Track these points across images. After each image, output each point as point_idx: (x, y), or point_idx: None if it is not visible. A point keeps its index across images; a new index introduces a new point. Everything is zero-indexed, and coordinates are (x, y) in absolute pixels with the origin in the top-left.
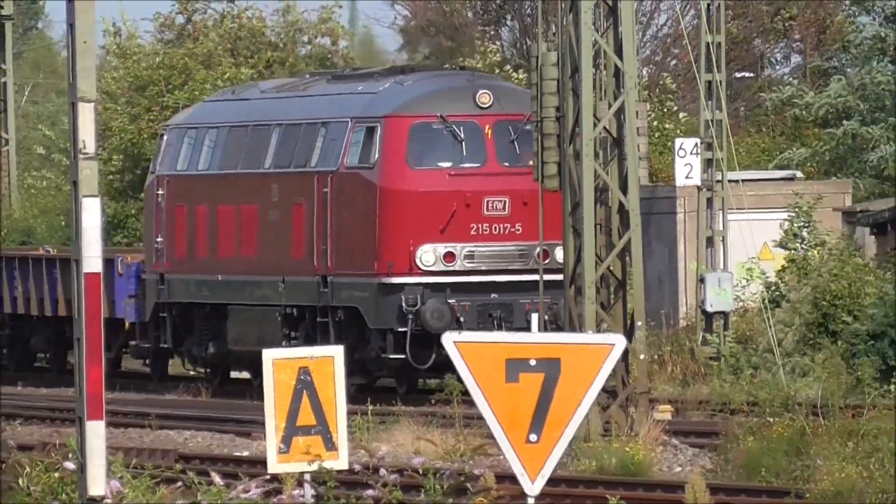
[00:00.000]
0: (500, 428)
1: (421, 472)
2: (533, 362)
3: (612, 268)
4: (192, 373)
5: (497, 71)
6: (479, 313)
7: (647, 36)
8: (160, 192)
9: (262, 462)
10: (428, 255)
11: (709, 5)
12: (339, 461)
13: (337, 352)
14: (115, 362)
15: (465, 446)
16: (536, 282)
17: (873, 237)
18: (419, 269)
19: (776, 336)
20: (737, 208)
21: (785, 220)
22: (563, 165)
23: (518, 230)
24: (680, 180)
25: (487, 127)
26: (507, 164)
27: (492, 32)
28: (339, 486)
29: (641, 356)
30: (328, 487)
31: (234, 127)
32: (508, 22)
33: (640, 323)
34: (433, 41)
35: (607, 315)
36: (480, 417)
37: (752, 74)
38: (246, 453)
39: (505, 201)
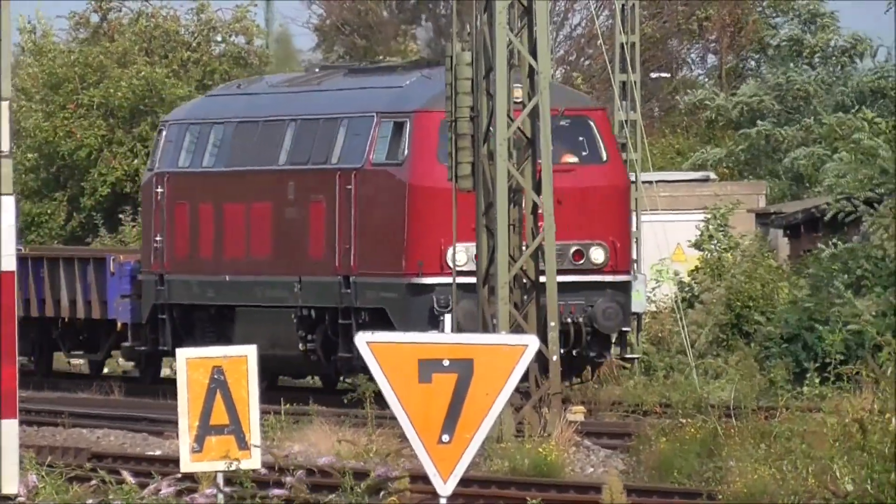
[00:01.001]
0: (412, 428)
1: (339, 472)
2: (446, 363)
3: (525, 268)
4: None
5: None
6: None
7: (562, 36)
8: (159, 189)
9: (175, 461)
10: (460, 254)
11: (623, 5)
12: (252, 461)
13: (250, 351)
14: (99, 365)
15: (377, 447)
16: (570, 282)
17: (786, 239)
18: (450, 268)
19: (689, 337)
20: (650, 209)
21: (701, 221)
22: (476, 165)
23: None
24: None
25: None
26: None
27: (412, 31)
28: (251, 485)
29: (554, 357)
30: (244, 488)
31: (242, 122)
32: (423, 21)
33: (552, 323)
34: (347, 40)
35: (520, 315)
36: (393, 418)
37: (667, 75)
38: (158, 452)
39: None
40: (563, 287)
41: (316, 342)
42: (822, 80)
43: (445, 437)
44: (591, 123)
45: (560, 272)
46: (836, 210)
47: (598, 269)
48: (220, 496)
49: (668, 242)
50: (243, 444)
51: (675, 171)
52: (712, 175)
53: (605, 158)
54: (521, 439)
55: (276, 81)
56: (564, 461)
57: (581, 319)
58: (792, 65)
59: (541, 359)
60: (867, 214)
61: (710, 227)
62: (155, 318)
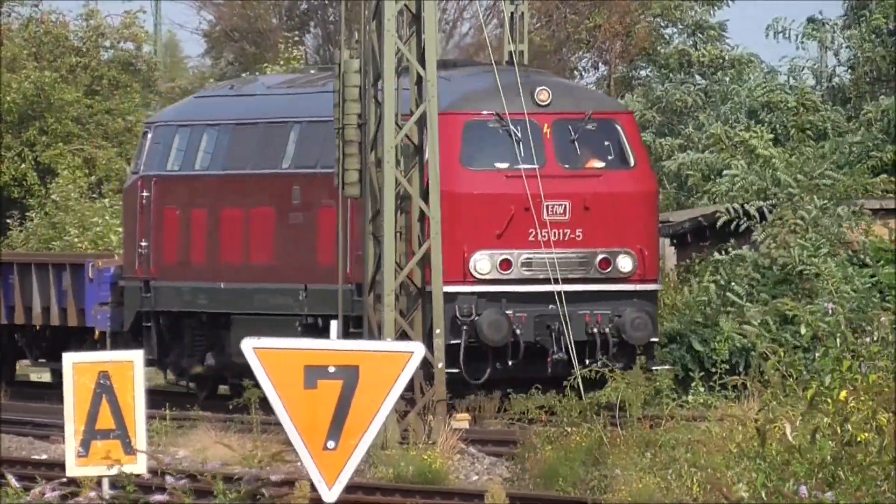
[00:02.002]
0: (297, 434)
1: (213, 477)
2: (332, 369)
3: (411, 276)
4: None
5: None
6: (535, 325)
7: (451, 44)
8: (145, 193)
9: (61, 465)
10: (483, 262)
11: (512, 14)
12: (138, 465)
13: (137, 356)
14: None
15: (262, 452)
16: (597, 292)
17: (673, 248)
18: (473, 277)
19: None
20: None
21: None
22: (364, 172)
23: (578, 236)
24: None
25: (546, 126)
26: (567, 165)
27: (296, 38)
28: (136, 490)
29: (440, 364)
30: (127, 492)
31: (239, 124)
32: (312, 28)
33: (438, 331)
34: (237, 47)
35: (406, 323)
36: (278, 423)
37: None
38: (44, 456)
39: (565, 205)
40: (589, 296)
41: None
42: (704, 91)
43: (331, 444)
44: (618, 127)
45: (586, 281)
46: (728, 218)
47: (626, 278)
48: (104, 500)
49: None
50: (129, 449)
51: None
52: None
53: (632, 163)
54: (405, 446)
55: (274, 83)
56: (449, 468)
57: (608, 330)
58: (682, 75)
59: (426, 366)
60: (757, 223)
61: None
62: (138, 326)
